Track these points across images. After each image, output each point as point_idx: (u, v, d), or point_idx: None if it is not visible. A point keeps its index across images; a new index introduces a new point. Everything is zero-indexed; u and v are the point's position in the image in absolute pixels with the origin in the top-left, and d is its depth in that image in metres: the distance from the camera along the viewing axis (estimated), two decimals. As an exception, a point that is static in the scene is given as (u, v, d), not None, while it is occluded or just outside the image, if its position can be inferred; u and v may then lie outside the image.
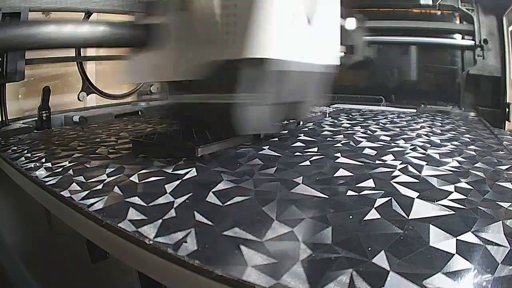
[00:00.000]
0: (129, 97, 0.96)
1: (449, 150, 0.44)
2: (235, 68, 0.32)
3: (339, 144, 0.46)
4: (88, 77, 0.85)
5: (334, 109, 0.80)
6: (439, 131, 0.57)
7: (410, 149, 0.43)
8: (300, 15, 0.35)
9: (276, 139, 0.49)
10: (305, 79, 0.39)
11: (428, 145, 0.46)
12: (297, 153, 0.41)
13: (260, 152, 0.41)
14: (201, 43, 0.35)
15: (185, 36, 0.36)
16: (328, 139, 0.49)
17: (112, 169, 0.36)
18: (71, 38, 0.33)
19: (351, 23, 0.90)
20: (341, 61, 0.91)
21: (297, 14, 0.35)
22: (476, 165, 0.37)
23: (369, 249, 0.20)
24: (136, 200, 0.27)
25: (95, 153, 0.44)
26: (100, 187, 0.31)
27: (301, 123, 0.50)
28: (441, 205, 0.26)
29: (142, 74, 0.42)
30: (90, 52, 0.87)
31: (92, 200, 0.28)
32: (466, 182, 0.31)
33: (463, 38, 0.91)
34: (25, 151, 0.46)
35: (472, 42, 0.89)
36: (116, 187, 0.31)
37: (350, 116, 0.74)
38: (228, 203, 0.27)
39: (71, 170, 0.36)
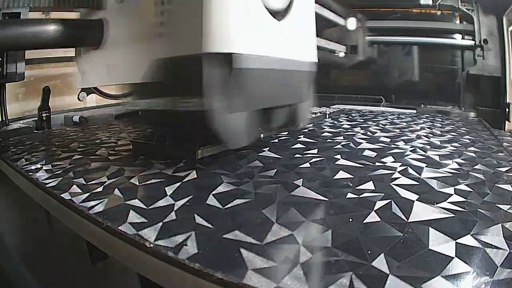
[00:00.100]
0: (129, 97, 0.96)
1: (449, 151, 0.44)
2: (191, 67, 0.26)
3: (339, 146, 0.46)
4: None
5: (334, 110, 0.80)
6: (439, 132, 0.57)
7: (410, 151, 0.43)
8: (259, 7, 0.30)
9: (276, 140, 0.49)
10: (282, 78, 0.34)
11: (428, 147, 0.46)
12: (297, 155, 0.41)
13: (260, 154, 0.41)
14: (145, 38, 0.30)
15: (126, 31, 0.32)
16: (328, 140, 0.49)
17: (112, 171, 0.36)
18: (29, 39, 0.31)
19: (352, 23, 0.90)
20: (343, 61, 0.91)
21: (254, 5, 0.29)
22: (476, 167, 0.37)
23: (369, 252, 0.20)
24: (136, 202, 0.27)
25: (95, 154, 0.44)
26: (100, 189, 0.31)
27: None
28: (440, 207, 0.26)
29: (91, 77, 0.37)
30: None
31: (92, 203, 0.28)
32: (465, 184, 0.31)
33: (463, 38, 0.92)
34: (25, 152, 0.46)
35: (472, 42, 0.89)
36: (116, 189, 0.31)
37: (350, 117, 0.74)
38: (228, 205, 0.27)
39: (71, 172, 0.36)
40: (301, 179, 0.32)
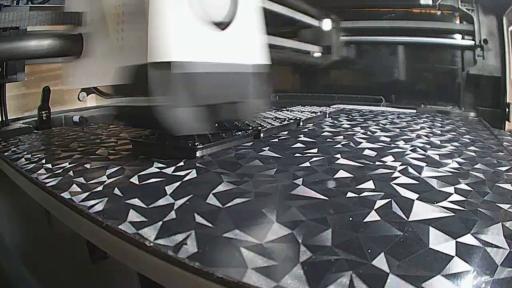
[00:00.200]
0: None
1: (449, 151, 0.44)
2: (144, 72, 0.33)
3: (339, 145, 0.46)
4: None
5: (334, 109, 0.80)
6: (439, 132, 0.57)
7: (410, 150, 0.43)
8: (199, 21, 0.37)
9: (276, 140, 0.49)
10: (220, 80, 0.40)
11: (428, 146, 0.46)
12: (297, 154, 0.41)
13: (260, 153, 0.41)
14: (114, 49, 0.37)
15: (102, 43, 0.39)
16: (328, 140, 0.49)
17: (112, 171, 0.36)
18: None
19: (326, 24, 0.92)
20: (318, 61, 0.93)
21: (200, 19, 0.37)
22: (476, 166, 0.37)
23: (369, 251, 0.20)
24: (136, 202, 0.27)
25: (95, 154, 0.44)
26: (100, 188, 0.31)
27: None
28: (441, 206, 0.26)
29: (78, 80, 0.45)
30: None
31: (92, 202, 0.28)
32: (466, 184, 0.31)
33: (463, 38, 0.92)
34: (25, 152, 0.46)
35: (472, 42, 0.89)
36: (116, 188, 0.31)
37: (350, 116, 0.74)
38: (228, 204, 0.27)
39: (71, 171, 0.36)
40: (301, 178, 0.32)
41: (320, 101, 0.95)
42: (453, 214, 0.25)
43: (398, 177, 0.33)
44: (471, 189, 0.30)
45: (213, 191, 0.29)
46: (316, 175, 0.33)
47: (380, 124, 0.63)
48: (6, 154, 0.46)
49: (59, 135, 0.60)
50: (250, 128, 0.51)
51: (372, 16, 0.97)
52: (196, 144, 0.40)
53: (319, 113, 0.70)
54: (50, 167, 0.39)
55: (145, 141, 0.44)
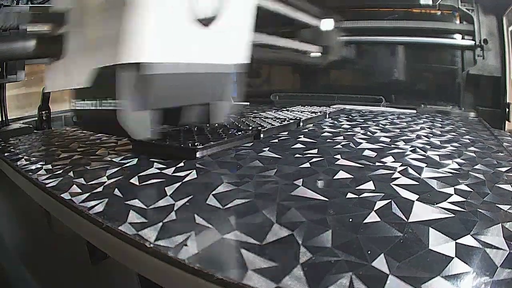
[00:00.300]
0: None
1: (449, 151, 0.44)
2: (113, 74, 0.32)
3: (339, 146, 0.46)
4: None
5: (334, 110, 0.80)
6: (439, 132, 0.57)
7: (410, 151, 0.43)
8: (184, 18, 0.34)
9: (276, 140, 0.49)
10: (195, 81, 0.38)
11: (428, 147, 0.46)
12: (297, 155, 0.41)
13: (260, 154, 0.41)
14: (87, 50, 0.36)
15: (79, 44, 0.37)
16: (328, 140, 0.49)
17: (112, 171, 0.36)
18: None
19: (326, 24, 0.92)
20: (317, 60, 0.93)
21: (179, 17, 0.34)
22: (476, 167, 0.37)
23: (369, 252, 0.20)
24: (136, 202, 0.27)
25: (95, 154, 0.44)
26: (100, 189, 0.31)
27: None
28: (440, 207, 0.26)
29: (54, 82, 0.42)
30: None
31: (92, 203, 0.28)
32: (465, 184, 0.31)
33: (463, 38, 0.92)
34: (25, 153, 0.46)
35: (472, 42, 0.89)
36: (116, 189, 0.31)
37: (350, 117, 0.74)
38: (228, 205, 0.27)
39: (71, 172, 0.36)
40: (301, 179, 0.32)
41: (320, 101, 0.95)
42: (453, 215, 0.25)
43: (398, 178, 0.33)
44: (471, 190, 0.30)
45: (213, 192, 0.29)
46: (316, 176, 0.33)
47: (380, 125, 0.63)
48: (6, 154, 0.46)
49: (59, 135, 0.60)
50: (250, 128, 0.51)
51: (372, 16, 0.97)
52: (196, 144, 0.40)
53: (319, 113, 0.70)
54: (50, 167, 0.39)
55: (145, 141, 0.44)
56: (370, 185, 0.31)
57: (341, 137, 0.51)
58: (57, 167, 0.39)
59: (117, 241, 0.23)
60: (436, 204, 0.27)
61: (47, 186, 0.33)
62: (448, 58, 0.95)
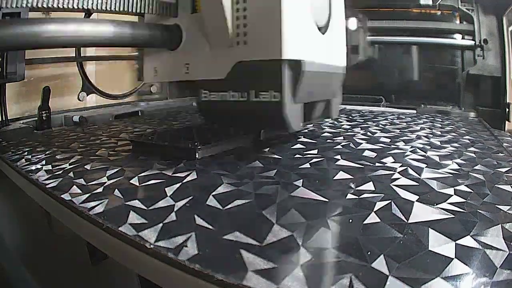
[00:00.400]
0: (129, 97, 0.96)
1: (449, 152, 0.44)
2: (270, 68, 0.34)
3: (339, 146, 0.46)
4: (88, 77, 0.85)
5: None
6: (439, 133, 0.57)
7: (410, 151, 0.43)
8: (312, 24, 0.39)
9: (276, 140, 0.49)
10: (326, 79, 0.43)
11: (428, 147, 0.46)
12: (297, 155, 0.41)
13: (260, 154, 0.41)
14: (223, 45, 0.37)
15: (201, 38, 0.39)
16: (328, 141, 0.49)
17: (112, 172, 0.36)
18: (84, 37, 0.35)
19: (353, 24, 0.90)
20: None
21: (310, 22, 0.39)
22: (476, 167, 0.37)
23: (369, 253, 0.20)
24: (136, 203, 0.28)
25: (96, 155, 0.44)
26: (100, 190, 0.31)
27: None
28: (440, 208, 0.26)
29: (164, 73, 0.44)
30: (90, 52, 0.87)
31: (92, 203, 0.28)
32: (465, 185, 0.31)
33: (463, 38, 0.92)
34: (25, 153, 0.46)
35: (472, 42, 0.89)
36: (116, 190, 0.31)
37: (350, 117, 0.74)
38: (229, 206, 0.27)
39: (71, 172, 0.37)
40: (301, 180, 0.32)
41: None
42: (453, 216, 0.25)
43: (398, 178, 0.33)
44: (470, 190, 0.30)
45: (213, 193, 0.29)
46: (316, 177, 0.33)
47: (380, 125, 0.63)
48: (6, 154, 0.46)
49: (59, 135, 0.60)
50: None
51: (371, 16, 0.97)
52: (196, 144, 0.40)
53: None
54: (50, 168, 0.39)
55: (145, 142, 0.44)
56: (370, 186, 0.31)
57: (341, 138, 0.51)
58: (57, 167, 0.39)
59: (117, 242, 0.23)
60: (436, 205, 0.27)
61: (47, 186, 0.33)
62: (448, 58, 0.95)
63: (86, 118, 0.75)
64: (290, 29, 0.34)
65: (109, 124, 0.71)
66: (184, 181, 0.33)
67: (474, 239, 0.22)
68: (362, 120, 0.69)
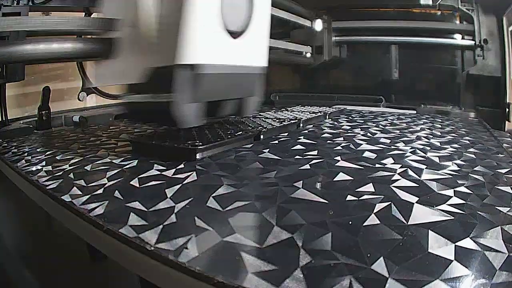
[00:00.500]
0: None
1: (448, 153, 0.44)
2: (169, 72, 0.38)
3: (339, 147, 0.46)
4: (88, 77, 0.85)
5: (334, 110, 0.80)
6: (439, 133, 0.57)
7: (410, 152, 0.43)
8: (220, 30, 0.42)
9: (276, 141, 0.49)
10: (234, 79, 0.47)
11: (428, 148, 0.46)
12: (297, 156, 0.41)
13: (260, 155, 0.41)
14: (143, 52, 0.42)
15: (132, 47, 0.44)
16: (328, 141, 0.49)
17: (113, 173, 0.36)
18: (52, 54, 0.44)
19: (318, 25, 0.94)
20: (309, 61, 0.95)
21: (217, 29, 0.42)
22: (476, 168, 0.37)
23: (368, 255, 0.20)
24: (136, 205, 0.28)
25: (96, 155, 0.44)
26: (100, 191, 0.31)
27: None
28: (440, 210, 0.26)
29: (106, 78, 0.51)
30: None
31: (93, 205, 0.28)
32: (465, 186, 0.31)
33: (463, 38, 0.92)
34: (25, 154, 0.46)
35: (472, 42, 0.89)
36: (116, 191, 0.31)
37: (350, 117, 0.74)
38: (228, 208, 0.27)
39: (71, 173, 0.37)
40: (301, 181, 0.32)
41: (320, 101, 0.95)
42: (453, 218, 0.25)
43: (398, 179, 0.33)
44: (470, 192, 0.30)
45: (213, 194, 0.29)
46: (316, 178, 0.33)
47: (380, 126, 0.63)
48: (6, 155, 0.46)
49: (59, 136, 0.60)
50: (250, 129, 0.51)
51: (371, 16, 0.97)
52: (196, 145, 0.40)
53: (319, 114, 0.71)
54: (50, 169, 0.39)
55: (145, 142, 0.44)
56: (370, 187, 0.31)
57: (341, 138, 0.51)
58: (57, 168, 0.39)
59: (118, 243, 0.23)
60: (436, 206, 0.27)
61: (47, 188, 0.33)
62: (448, 58, 0.95)
63: (86, 118, 0.75)
64: (187, 37, 0.38)
65: (109, 124, 0.71)
66: (184, 182, 0.33)
67: (474, 241, 0.22)
68: (362, 121, 0.69)
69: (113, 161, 0.41)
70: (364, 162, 0.39)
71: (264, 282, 0.18)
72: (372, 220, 0.25)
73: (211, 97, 0.44)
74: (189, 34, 0.38)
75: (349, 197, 0.29)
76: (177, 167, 0.37)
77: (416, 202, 0.28)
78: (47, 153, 0.46)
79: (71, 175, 0.36)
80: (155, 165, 0.38)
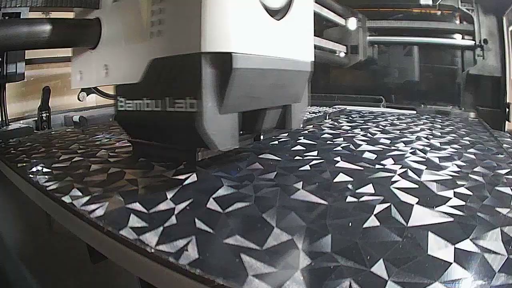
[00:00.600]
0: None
1: (448, 153, 0.44)
2: (187, 67, 0.25)
3: (339, 148, 0.46)
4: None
5: (334, 110, 0.80)
6: (439, 134, 0.57)
7: (410, 153, 0.43)
8: (257, 4, 0.28)
9: (276, 142, 0.49)
10: (279, 78, 0.33)
11: (428, 149, 0.46)
12: (297, 157, 0.41)
13: (260, 156, 0.41)
14: (137, 38, 0.29)
15: (118, 31, 0.31)
16: (328, 142, 0.49)
17: (113, 174, 0.36)
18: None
19: (352, 23, 0.89)
20: (344, 61, 0.91)
21: (252, 2, 0.28)
22: (476, 169, 0.37)
23: (368, 257, 0.20)
24: (137, 206, 0.28)
25: (96, 156, 0.44)
26: (101, 192, 0.31)
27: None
28: (440, 211, 0.26)
29: (86, 77, 0.36)
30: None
31: (93, 206, 0.28)
32: (465, 187, 0.31)
33: (463, 38, 0.92)
34: (25, 154, 0.46)
35: (472, 42, 0.89)
36: (116, 192, 0.31)
37: (350, 118, 0.74)
38: (229, 209, 0.27)
39: (71, 174, 0.37)
40: (301, 182, 0.32)
41: (320, 102, 0.95)
42: (452, 219, 0.25)
43: (398, 180, 0.33)
44: (470, 193, 0.30)
45: (213, 196, 0.29)
46: (316, 179, 0.34)
47: (380, 126, 0.63)
48: (6, 155, 0.46)
49: (59, 136, 0.60)
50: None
51: (371, 16, 0.97)
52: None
53: (319, 114, 0.71)
54: (51, 169, 0.39)
55: (145, 142, 0.44)
56: (370, 188, 0.31)
57: (341, 139, 0.51)
58: (58, 169, 0.39)
59: (118, 245, 0.23)
60: (436, 207, 0.27)
61: (47, 188, 0.33)
62: (448, 58, 0.95)
63: (86, 118, 0.75)
64: (214, 12, 0.24)
65: (110, 124, 0.71)
66: (185, 183, 0.33)
67: (473, 243, 0.22)
68: (362, 121, 0.69)
69: (113, 162, 0.41)
70: (364, 163, 0.39)
71: (264, 284, 0.18)
72: (372, 221, 0.25)
73: (253, 105, 0.31)
74: (219, 5, 0.25)
75: (349, 199, 0.29)
76: (177, 168, 0.37)
77: (416, 204, 0.28)
78: (47, 153, 0.46)
79: (71, 176, 0.36)
80: (155, 166, 0.38)
